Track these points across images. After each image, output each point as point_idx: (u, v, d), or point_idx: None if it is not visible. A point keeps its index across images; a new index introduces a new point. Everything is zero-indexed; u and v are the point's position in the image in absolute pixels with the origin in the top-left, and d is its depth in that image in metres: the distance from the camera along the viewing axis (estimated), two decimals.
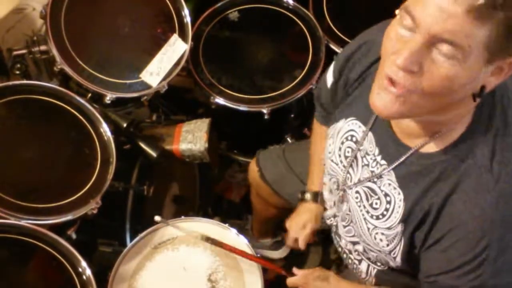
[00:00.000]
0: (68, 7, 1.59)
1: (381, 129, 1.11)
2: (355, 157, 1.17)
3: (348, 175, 1.20)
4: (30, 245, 1.35)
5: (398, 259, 1.13)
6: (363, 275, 1.29)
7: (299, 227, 1.49)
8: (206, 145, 1.69)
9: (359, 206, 1.17)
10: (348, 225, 1.25)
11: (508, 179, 0.96)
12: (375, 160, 1.12)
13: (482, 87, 0.90)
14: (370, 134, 1.14)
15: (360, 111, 1.16)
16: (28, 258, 1.37)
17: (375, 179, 1.13)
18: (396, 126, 1.07)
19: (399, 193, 1.08)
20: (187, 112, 2.03)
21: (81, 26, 1.62)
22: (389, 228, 1.11)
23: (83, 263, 1.36)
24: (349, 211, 1.23)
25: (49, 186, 1.45)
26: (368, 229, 1.16)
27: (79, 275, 1.36)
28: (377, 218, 1.13)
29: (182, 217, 1.53)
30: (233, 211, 2.23)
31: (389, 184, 1.09)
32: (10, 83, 1.49)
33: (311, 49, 1.87)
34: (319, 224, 1.48)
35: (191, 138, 1.71)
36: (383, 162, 1.10)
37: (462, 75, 0.85)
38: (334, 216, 1.34)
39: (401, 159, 1.06)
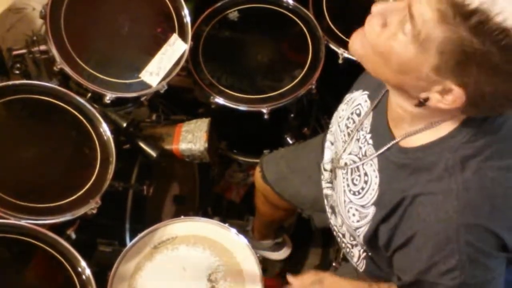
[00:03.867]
0: (68, 7, 1.59)
1: (380, 110, 1.12)
2: (353, 130, 1.19)
3: (344, 144, 1.22)
4: (30, 245, 1.35)
5: (361, 238, 1.15)
6: (355, 259, 1.31)
7: None
8: (206, 145, 1.69)
9: (343, 178, 1.20)
10: (333, 191, 1.28)
11: (479, 190, 0.95)
12: (365, 137, 1.14)
13: (425, 99, 0.91)
14: (372, 112, 1.15)
15: (372, 87, 1.18)
16: (28, 258, 1.37)
17: (360, 156, 1.15)
18: (389, 110, 1.08)
19: (376, 177, 1.10)
20: (187, 112, 2.03)
21: (81, 26, 1.62)
22: (362, 206, 1.13)
23: (83, 263, 1.36)
24: (335, 179, 1.26)
25: (49, 186, 1.45)
26: (344, 201, 1.18)
27: (79, 275, 1.36)
28: (354, 193, 1.15)
29: (182, 217, 1.53)
30: (233, 211, 2.23)
31: (371, 165, 1.11)
32: (10, 83, 1.49)
33: (311, 49, 1.87)
34: None
35: (191, 138, 1.71)
36: (370, 141, 1.13)
37: (403, 58, 0.88)
38: (331, 182, 1.35)
39: (385, 147, 1.07)
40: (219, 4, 1.94)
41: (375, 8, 0.92)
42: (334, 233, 1.39)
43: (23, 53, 1.68)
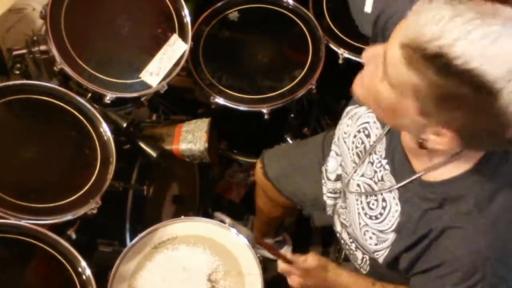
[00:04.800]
0: (68, 7, 1.59)
1: (394, 136, 1.11)
2: (364, 150, 1.18)
3: (354, 164, 1.21)
4: (30, 245, 1.35)
5: (380, 260, 1.15)
6: (359, 261, 1.31)
7: None
8: (206, 145, 1.69)
9: (357, 200, 1.19)
10: (345, 208, 1.27)
11: (506, 223, 0.96)
12: (380, 162, 1.13)
13: (424, 140, 0.90)
14: (384, 137, 1.14)
15: None
16: (28, 258, 1.37)
17: (376, 180, 1.14)
18: (404, 141, 1.07)
19: (396, 204, 1.09)
20: (187, 112, 2.03)
21: (81, 26, 1.62)
22: (381, 232, 1.12)
23: (83, 263, 1.36)
24: (347, 197, 1.25)
25: (49, 186, 1.45)
26: (360, 224, 1.18)
27: (79, 275, 1.36)
28: (371, 218, 1.15)
29: (182, 217, 1.53)
30: (233, 211, 2.23)
31: (390, 192, 1.10)
32: (10, 83, 1.49)
33: (311, 49, 1.87)
34: None
35: (191, 138, 1.71)
36: (387, 167, 1.11)
37: (389, 102, 0.87)
38: (334, 192, 1.35)
39: (407, 180, 1.06)
40: (219, 4, 1.94)
41: (363, 54, 0.93)
42: (337, 235, 1.39)
43: (23, 53, 1.68)
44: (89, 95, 1.61)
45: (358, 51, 1.84)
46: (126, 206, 1.63)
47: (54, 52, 1.54)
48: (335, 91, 2.03)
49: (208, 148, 1.70)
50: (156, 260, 1.45)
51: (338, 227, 1.34)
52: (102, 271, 1.42)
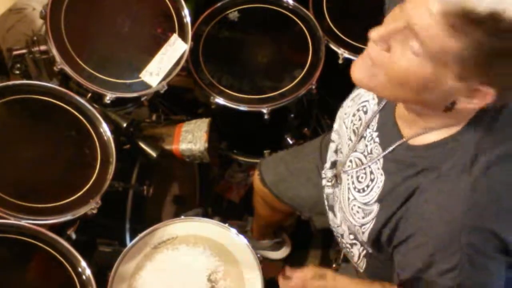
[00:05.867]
0: (68, 7, 1.59)
1: (388, 108, 1.11)
2: (359, 127, 1.19)
3: (350, 142, 1.22)
4: (30, 245, 1.35)
5: (366, 235, 1.15)
6: (355, 259, 1.30)
7: None
8: (206, 145, 1.69)
9: (348, 175, 1.19)
10: (337, 188, 1.27)
11: (486, 191, 0.94)
12: (371, 135, 1.14)
13: (453, 103, 0.89)
14: (379, 112, 1.15)
15: None
16: (28, 258, 1.37)
17: (366, 153, 1.15)
18: (399, 110, 1.07)
19: (381, 175, 1.09)
20: (187, 112, 2.03)
21: (81, 26, 1.62)
22: (365, 204, 1.13)
23: (83, 263, 1.36)
24: (340, 177, 1.25)
25: (49, 186, 1.45)
26: (349, 198, 1.18)
27: (79, 275, 1.36)
28: (359, 191, 1.15)
29: (182, 217, 1.53)
30: (233, 211, 2.23)
31: (376, 163, 1.11)
32: (10, 83, 1.49)
33: (311, 49, 1.87)
34: None
35: (191, 138, 1.71)
36: (377, 140, 1.12)
37: (422, 77, 0.86)
38: (332, 180, 1.34)
39: (392, 146, 1.06)
40: (219, 4, 1.94)
41: (375, 34, 0.89)
42: (334, 233, 1.39)
43: (23, 53, 1.68)
44: (89, 95, 1.61)
45: (358, 51, 1.84)
46: (126, 206, 1.63)
47: (54, 52, 1.54)
48: (335, 91, 2.03)
49: (208, 148, 1.70)
50: (156, 260, 1.45)
51: (337, 220, 1.34)
52: (102, 271, 1.42)
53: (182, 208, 1.91)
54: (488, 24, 0.77)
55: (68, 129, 1.53)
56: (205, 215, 1.97)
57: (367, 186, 1.13)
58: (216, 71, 1.84)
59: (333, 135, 1.36)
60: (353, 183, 1.18)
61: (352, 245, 1.29)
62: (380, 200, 1.09)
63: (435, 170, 0.98)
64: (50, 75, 1.73)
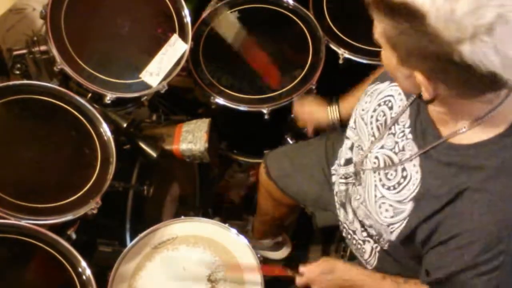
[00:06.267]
0: (68, 7, 1.59)
1: (421, 106, 1.10)
2: (385, 123, 1.17)
3: (373, 138, 1.20)
4: (30, 245, 1.35)
5: (394, 235, 1.13)
6: (366, 256, 1.30)
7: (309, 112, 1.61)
8: (206, 145, 1.69)
9: (374, 172, 1.17)
10: (359, 185, 1.25)
11: None
12: (403, 131, 1.12)
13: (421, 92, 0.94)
14: (409, 107, 1.13)
15: None
16: (28, 258, 1.37)
17: (397, 150, 1.13)
18: (430, 108, 1.07)
19: (417, 172, 1.07)
20: (187, 112, 2.03)
21: (81, 26, 1.62)
22: (399, 202, 1.10)
23: (83, 263, 1.36)
24: (363, 174, 1.23)
25: (49, 186, 1.45)
26: (375, 196, 1.16)
27: (79, 275, 1.36)
28: (388, 188, 1.13)
29: (182, 217, 1.53)
30: (233, 211, 2.23)
31: (411, 161, 1.09)
32: (10, 83, 1.49)
33: (311, 49, 1.87)
34: (325, 122, 1.58)
35: (191, 138, 1.71)
36: (410, 136, 1.10)
37: (386, 60, 0.95)
38: (346, 177, 1.34)
39: (432, 145, 1.05)
40: (219, 4, 1.94)
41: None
42: (344, 230, 1.38)
43: (23, 54, 1.68)
44: (89, 95, 1.61)
45: (359, 51, 1.84)
46: (126, 206, 1.63)
47: (54, 52, 1.54)
48: (335, 91, 2.03)
49: (208, 148, 1.70)
50: (156, 260, 1.45)
51: (349, 217, 1.33)
52: (102, 271, 1.42)
53: (182, 208, 1.91)
54: (384, 7, 0.84)
55: (68, 129, 1.53)
56: (205, 215, 1.98)
57: (398, 183, 1.11)
58: (216, 71, 1.84)
59: (349, 132, 1.34)
60: (380, 180, 1.15)
61: (364, 241, 1.28)
62: (416, 199, 1.07)
63: (481, 170, 0.97)
64: (50, 75, 1.73)
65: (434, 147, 1.05)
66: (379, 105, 1.20)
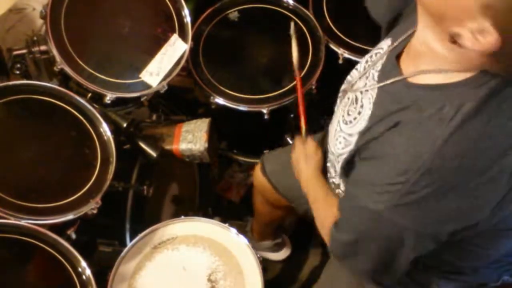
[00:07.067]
0: (68, 7, 1.59)
1: (395, 50, 1.11)
2: (367, 68, 1.20)
3: (356, 81, 1.22)
4: (30, 245, 1.35)
5: (340, 165, 1.17)
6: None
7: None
8: (206, 145, 1.69)
9: (342, 110, 1.22)
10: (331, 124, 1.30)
11: (456, 145, 0.94)
12: (373, 75, 1.15)
13: (456, 35, 0.88)
14: (388, 53, 1.14)
15: (398, 30, 1.17)
16: (28, 258, 1.37)
17: (363, 90, 1.15)
18: (408, 48, 1.07)
19: (369, 109, 1.10)
20: (187, 112, 2.03)
21: (81, 26, 1.62)
22: (350, 135, 1.14)
23: (83, 263, 1.36)
24: (336, 112, 1.28)
25: (49, 186, 1.45)
26: (335, 130, 1.21)
27: (79, 275, 1.36)
28: (346, 123, 1.17)
29: (182, 217, 1.53)
30: (233, 211, 2.23)
31: (368, 98, 1.12)
32: (10, 83, 1.49)
33: (311, 49, 1.87)
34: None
35: (191, 138, 1.71)
36: (376, 78, 1.13)
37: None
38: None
39: (389, 81, 1.06)
40: (219, 4, 1.94)
41: None
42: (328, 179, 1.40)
43: (23, 53, 1.68)
44: (89, 95, 1.61)
45: (358, 51, 1.84)
46: (126, 206, 1.63)
47: (54, 52, 1.54)
48: (335, 91, 2.03)
49: (208, 148, 1.70)
50: (156, 260, 1.45)
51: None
52: (102, 271, 1.42)
53: (182, 208, 1.91)
54: None
55: (68, 129, 1.53)
56: (205, 215, 1.98)
57: (354, 118, 1.14)
58: (216, 71, 1.84)
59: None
60: (343, 116, 1.19)
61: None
62: (361, 133, 1.09)
63: (420, 111, 0.97)
64: (50, 75, 1.73)
65: (391, 83, 1.06)
66: (371, 56, 1.22)
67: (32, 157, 1.46)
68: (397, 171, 0.97)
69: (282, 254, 2.12)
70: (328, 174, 1.36)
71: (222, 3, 1.94)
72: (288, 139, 1.98)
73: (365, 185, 1.05)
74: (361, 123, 1.11)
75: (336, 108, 1.33)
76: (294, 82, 1.82)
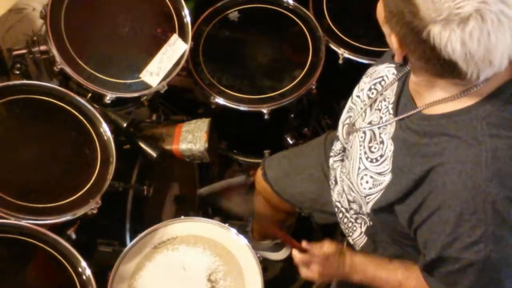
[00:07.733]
0: (68, 7, 1.59)
1: (405, 82, 1.12)
2: (375, 100, 1.20)
3: (363, 114, 1.22)
4: (30, 245, 1.35)
5: (369, 206, 1.15)
6: (356, 235, 1.31)
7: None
8: (206, 145, 1.69)
9: (360, 146, 1.20)
10: (347, 158, 1.28)
11: (509, 159, 0.94)
12: (387, 107, 1.15)
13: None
14: (396, 83, 1.15)
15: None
16: (28, 258, 1.37)
17: (380, 126, 1.15)
18: (410, 82, 1.09)
19: (391, 144, 1.10)
20: (187, 112, 2.03)
21: (81, 26, 1.62)
22: (379, 174, 1.13)
23: (83, 263, 1.36)
24: (351, 148, 1.26)
25: (49, 186, 1.45)
26: (359, 168, 1.19)
27: (79, 275, 1.36)
28: (371, 161, 1.16)
29: (182, 217, 1.53)
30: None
31: (387, 134, 1.12)
32: (10, 83, 1.49)
33: (311, 49, 1.87)
34: None
35: (191, 138, 1.71)
36: (391, 111, 1.13)
37: (379, 13, 0.99)
38: (340, 153, 1.36)
39: (406, 115, 1.07)
40: (219, 4, 1.94)
41: None
42: (337, 209, 1.38)
43: (23, 53, 1.69)
44: (89, 95, 1.61)
45: (358, 51, 1.84)
46: (126, 206, 1.63)
47: (54, 52, 1.54)
48: (335, 91, 2.03)
49: (208, 148, 1.70)
50: (156, 260, 1.45)
51: (335, 194, 1.34)
52: (102, 271, 1.42)
53: (182, 208, 1.91)
54: None
55: (68, 129, 1.53)
56: (205, 215, 1.98)
57: (381, 156, 1.13)
58: (216, 71, 1.84)
59: (349, 112, 1.36)
60: (365, 153, 1.18)
61: (356, 219, 1.30)
62: (393, 171, 1.08)
63: (453, 139, 0.97)
64: (50, 75, 1.73)
65: (408, 117, 1.07)
66: (375, 84, 1.23)
67: (32, 157, 1.46)
68: (468, 212, 0.95)
69: (282, 254, 2.12)
70: (339, 201, 1.34)
71: (222, 3, 1.94)
72: (288, 139, 1.98)
73: (449, 243, 1.00)
74: (388, 161, 1.10)
75: (342, 139, 1.33)
76: (294, 82, 1.82)
